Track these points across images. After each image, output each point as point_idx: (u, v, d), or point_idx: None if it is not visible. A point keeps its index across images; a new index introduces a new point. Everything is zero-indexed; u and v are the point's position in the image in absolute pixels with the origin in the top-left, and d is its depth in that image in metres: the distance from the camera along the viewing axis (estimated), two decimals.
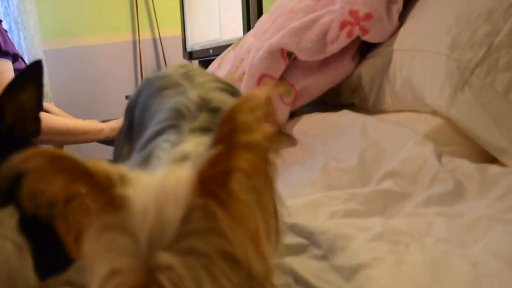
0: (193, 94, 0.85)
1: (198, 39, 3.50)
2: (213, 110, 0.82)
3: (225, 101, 0.87)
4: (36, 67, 1.00)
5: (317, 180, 1.39)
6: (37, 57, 3.63)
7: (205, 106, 0.82)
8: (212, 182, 0.54)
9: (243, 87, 1.78)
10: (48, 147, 0.60)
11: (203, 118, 0.79)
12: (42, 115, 2.27)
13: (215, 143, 0.54)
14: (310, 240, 1.08)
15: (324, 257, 1.03)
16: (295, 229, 1.11)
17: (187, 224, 0.53)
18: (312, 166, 1.49)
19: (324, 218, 1.19)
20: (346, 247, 1.06)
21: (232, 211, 0.55)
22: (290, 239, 1.06)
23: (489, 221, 1.10)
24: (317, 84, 1.81)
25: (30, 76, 1.00)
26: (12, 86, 0.98)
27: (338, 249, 1.06)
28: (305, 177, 1.44)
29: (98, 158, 0.59)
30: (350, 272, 0.96)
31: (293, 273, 0.94)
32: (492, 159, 1.40)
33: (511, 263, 0.94)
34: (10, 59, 2.29)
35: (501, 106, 1.42)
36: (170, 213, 0.53)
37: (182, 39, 3.67)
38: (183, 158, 0.67)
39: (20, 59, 2.41)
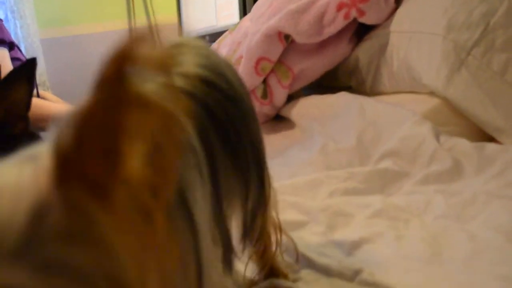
0: None
1: (194, 26, 3.50)
2: None
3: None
4: (30, 66, 0.97)
5: (316, 161, 1.40)
6: (34, 46, 3.63)
7: None
8: (83, 161, 0.36)
9: (241, 71, 1.79)
10: None
11: None
12: (41, 102, 2.27)
13: (91, 98, 0.36)
14: (310, 217, 1.09)
15: (324, 234, 1.04)
16: (295, 207, 1.12)
17: (40, 226, 0.35)
18: (310, 147, 1.50)
19: (324, 196, 1.19)
20: (346, 224, 1.07)
21: (117, 208, 0.37)
22: (289, 216, 1.07)
23: (487, 197, 1.11)
24: (314, 66, 1.81)
25: (24, 74, 0.97)
26: (4, 84, 0.95)
27: (338, 226, 1.07)
28: (304, 158, 1.45)
29: None
30: (351, 247, 0.97)
31: (294, 250, 0.95)
32: (488, 139, 1.41)
33: (510, 236, 0.96)
34: (6, 47, 2.28)
35: (498, 86, 1.44)
36: (7, 211, 0.35)
37: (178, 26, 3.67)
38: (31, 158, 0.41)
39: (16, 48, 2.41)
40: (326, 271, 0.90)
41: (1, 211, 0.35)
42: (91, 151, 0.36)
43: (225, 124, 0.69)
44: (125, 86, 0.36)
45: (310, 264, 0.93)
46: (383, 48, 1.73)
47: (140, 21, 4.11)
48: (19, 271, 0.34)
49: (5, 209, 0.35)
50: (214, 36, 2.82)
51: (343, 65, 1.86)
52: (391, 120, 1.45)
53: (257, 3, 2.16)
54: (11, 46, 2.34)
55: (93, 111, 0.35)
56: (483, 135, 1.43)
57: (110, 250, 0.36)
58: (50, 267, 0.34)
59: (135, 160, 0.37)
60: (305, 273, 0.91)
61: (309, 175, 1.29)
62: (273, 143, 1.57)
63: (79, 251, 0.35)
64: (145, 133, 0.37)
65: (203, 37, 3.29)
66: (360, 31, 1.85)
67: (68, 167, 0.36)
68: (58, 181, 0.36)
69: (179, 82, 0.62)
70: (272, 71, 1.79)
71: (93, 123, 0.36)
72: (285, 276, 0.89)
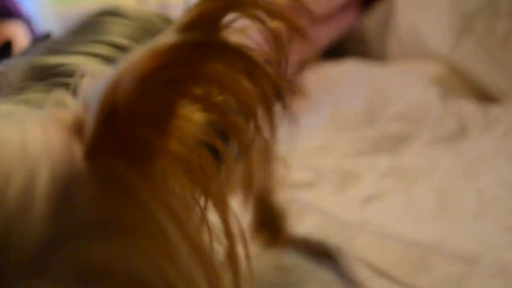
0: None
1: None
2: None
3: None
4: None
5: (326, 126, 1.42)
6: (48, 23, 3.64)
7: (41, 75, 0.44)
8: (136, 122, 0.28)
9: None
10: None
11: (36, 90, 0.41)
12: None
13: (173, 41, 0.27)
14: (321, 177, 1.12)
15: (335, 192, 1.07)
16: (306, 168, 1.15)
17: (68, 214, 0.25)
18: (319, 114, 1.52)
19: (334, 158, 1.22)
20: (356, 183, 1.10)
21: (171, 193, 0.30)
22: (300, 176, 1.10)
23: (494, 156, 1.14)
24: (321, 35, 1.83)
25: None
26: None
27: (348, 184, 1.10)
28: (313, 124, 1.47)
29: None
30: (362, 202, 1.00)
31: (309, 205, 0.98)
32: (492, 103, 1.44)
33: None
34: (23, 22, 2.30)
35: (503, 51, 1.47)
36: (17, 190, 0.24)
37: (186, 3, 3.67)
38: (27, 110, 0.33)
39: (32, 24, 2.42)
40: (336, 221, 0.93)
41: (9, 191, 0.24)
42: (149, 108, 0.28)
43: None
44: (217, 33, 0.29)
45: (320, 214, 0.96)
46: (389, 15, 1.75)
47: None
48: (44, 285, 0.23)
49: (15, 187, 0.24)
50: None
51: (350, 33, 1.88)
52: (398, 85, 1.48)
53: None
54: (27, 22, 2.36)
55: (170, 57, 0.27)
56: (486, 100, 1.45)
57: (165, 239, 0.28)
58: (87, 274, 0.24)
59: (193, 122, 0.30)
60: (316, 221, 0.94)
61: (318, 139, 1.32)
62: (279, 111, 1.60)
63: (123, 246, 0.26)
64: (222, 85, 0.30)
65: None
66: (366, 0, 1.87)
67: (116, 127, 0.27)
68: (96, 144, 0.27)
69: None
70: None
71: (165, 71, 0.27)
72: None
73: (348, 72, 1.65)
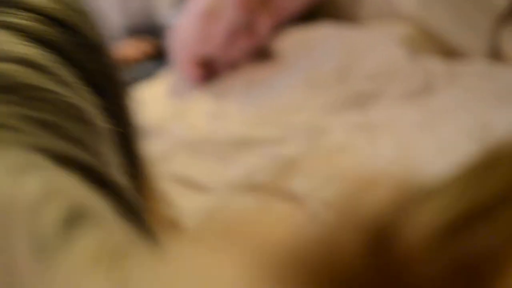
0: None
1: None
2: None
3: None
4: None
5: (298, 86, 1.47)
6: None
7: None
8: None
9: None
10: None
11: None
12: None
13: None
14: (289, 133, 1.17)
15: (303, 145, 1.12)
16: (278, 124, 1.20)
17: None
18: (293, 75, 1.56)
19: (303, 115, 1.27)
20: (326, 137, 1.15)
21: None
22: (269, 132, 1.15)
23: (455, 109, 1.20)
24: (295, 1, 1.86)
25: None
26: None
27: (318, 139, 1.15)
28: (286, 84, 1.51)
29: None
30: (330, 154, 1.05)
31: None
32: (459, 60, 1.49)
33: (475, 139, 1.04)
34: None
35: (472, 8, 1.51)
36: None
37: None
38: None
39: None
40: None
41: None
42: None
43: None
44: None
45: None
46: None
47: None
48: None
49: None
50: None
51: None
52: (368, 45, 1.52)
53: None
54: None
55: None
56: (453, 57, 1.50)
57: None
58: None
59: None
60: None
61: (291, 97, 1.36)
62: (255, 74, 1.64)
63: None
64: None
65: None
66: None
67: None
68: None
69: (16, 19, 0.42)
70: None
71: None
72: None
73: (322, 35, 1.68)
